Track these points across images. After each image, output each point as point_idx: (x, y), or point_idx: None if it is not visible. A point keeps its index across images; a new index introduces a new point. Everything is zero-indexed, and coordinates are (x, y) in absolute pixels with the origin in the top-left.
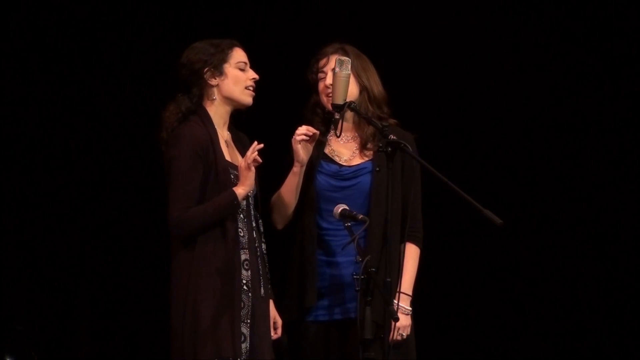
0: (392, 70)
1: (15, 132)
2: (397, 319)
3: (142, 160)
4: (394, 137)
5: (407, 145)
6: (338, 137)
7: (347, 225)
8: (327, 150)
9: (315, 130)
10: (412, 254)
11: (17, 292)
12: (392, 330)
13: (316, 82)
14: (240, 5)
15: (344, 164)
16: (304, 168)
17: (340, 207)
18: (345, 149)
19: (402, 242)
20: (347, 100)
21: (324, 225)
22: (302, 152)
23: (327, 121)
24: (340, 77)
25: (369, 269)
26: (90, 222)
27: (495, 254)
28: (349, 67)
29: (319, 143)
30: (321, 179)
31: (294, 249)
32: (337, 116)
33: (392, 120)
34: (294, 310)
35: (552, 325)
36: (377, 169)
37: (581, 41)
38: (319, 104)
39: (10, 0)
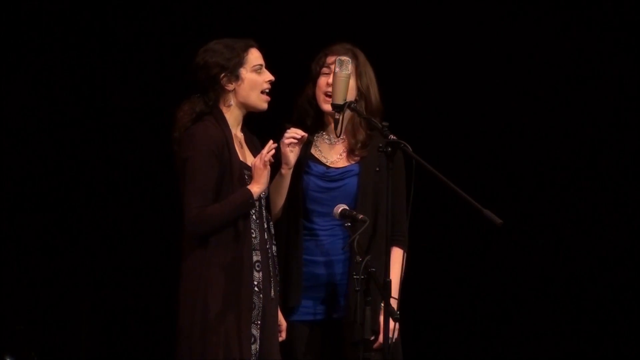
0: (391, 69)
1: (16, 130)
2: (397, 319)
3: (146, 159)
4: (394, 137)
5: (407, 145)
6: (338, 137)
7: (347, 225)
8: (313, 151)
9: (303, 133)
10: (399, 258)
11: (17, 292)
12: (382, 331)
13: (318, 75)
14: (248, 2)
15: (330, 165)
16: (292, 170)
17: (341, 207)
18: (332, 151)
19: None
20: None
21: (308, 225)
22: (290, 155)
23: (317, 120)
24: (340, 77)
25: (369, 269)
26: (91, 221)
27: (494, 254)
28: (349, 67)
29: (306, 142)
30: (308, 180)
31: (278, 248)
32: (337, 116)
33: None
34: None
35: (552, 326)
36: (377, 169)
37: (581, 40)
38: (314, 99)
39: None
